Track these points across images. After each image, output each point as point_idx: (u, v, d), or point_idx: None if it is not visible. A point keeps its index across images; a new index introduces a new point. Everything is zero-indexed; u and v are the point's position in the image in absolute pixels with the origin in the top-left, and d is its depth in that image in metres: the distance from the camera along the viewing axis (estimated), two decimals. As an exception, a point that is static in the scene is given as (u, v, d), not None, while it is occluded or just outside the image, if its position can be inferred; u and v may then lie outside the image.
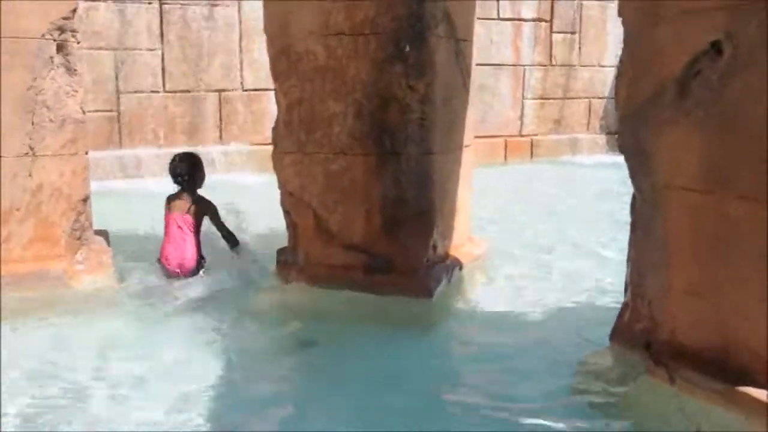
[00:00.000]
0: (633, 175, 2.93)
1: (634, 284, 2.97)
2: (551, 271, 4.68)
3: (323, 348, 3.58)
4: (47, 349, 3.45)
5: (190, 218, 4.55)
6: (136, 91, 8.55)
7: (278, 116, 4.10)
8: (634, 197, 2.99)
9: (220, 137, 8.97)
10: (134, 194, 7.80)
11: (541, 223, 6.13)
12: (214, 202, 4.64)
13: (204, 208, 4.58)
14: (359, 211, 3.94)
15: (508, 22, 9.98)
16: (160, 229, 5.93)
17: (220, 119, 8.93)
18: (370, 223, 3.94)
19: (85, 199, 4.33)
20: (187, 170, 4.62)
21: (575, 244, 5.37)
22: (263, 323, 3.88)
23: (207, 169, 8.56)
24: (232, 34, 8.71)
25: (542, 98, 10.30)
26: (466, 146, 4.40)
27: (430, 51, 3.77)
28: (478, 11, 9.63)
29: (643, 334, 2.89)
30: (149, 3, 8.44)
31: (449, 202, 4.21)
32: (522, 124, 10.25)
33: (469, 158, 4.49)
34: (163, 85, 8.65)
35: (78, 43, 4.26)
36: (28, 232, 4.16)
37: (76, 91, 4.24)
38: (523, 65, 10.13)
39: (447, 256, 4.19)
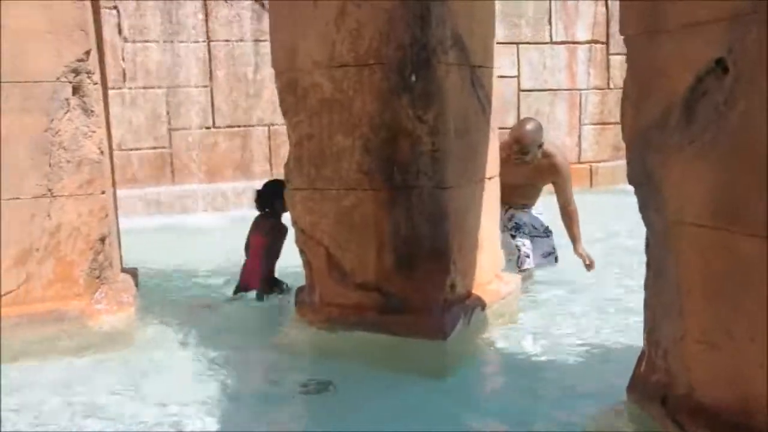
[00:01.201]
0: (643, 209, 2.66)
1: (649, 331, 2.69)
2: (587, 313, 4.36)
3: (332, 393, 3.41)
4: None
5: (263, 239, 4.87)
6: (186, 128, 8.66)
7: (289, 152, 3.99)
8: (646, 235, 2.72)
9: (271, 171, 8.97)
10: (182, 230, 7.89)
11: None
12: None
13: (278, 233, 4.84)
14: (371, 249, 3.77)
15: (562, 46, 9.69)
16: (195, 265, 5.97)
17: (270, 153, 8.94)
18: (382, 261, 3.76)
19: (104, 239, 4.30)
20: (265, 199, 4.99)
21: (618, 285, 4.99)
22: (274, 365, 3.75)
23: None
24: (279, 69, 8.74)
25: (601, 123, 9.92)
26: (490, 178, 4.18)
27: (438, 80, 3.59)
28: (530, 36, 9.54)
29: (659, 387, 2.59)
30: (197, 41, 8.56)
31: (470, 237, 3.99)
32: (580, 150, 9.89)
33: (494, 190, 4.26)
34: (213, 121, 8.73)
35: (95, 84, 4.26)
36: (47, 273, 4.16)
37: (94, 132, 4.24)
38: (579, 90, 9.80)
39: (468, 295, 3.96)
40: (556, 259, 5.27)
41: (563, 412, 3.03)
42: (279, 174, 8.88)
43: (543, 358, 3.63)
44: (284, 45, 3.84)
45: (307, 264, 4.04)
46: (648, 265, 2.69)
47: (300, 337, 3.99)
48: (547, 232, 5.29)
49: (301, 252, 4.05)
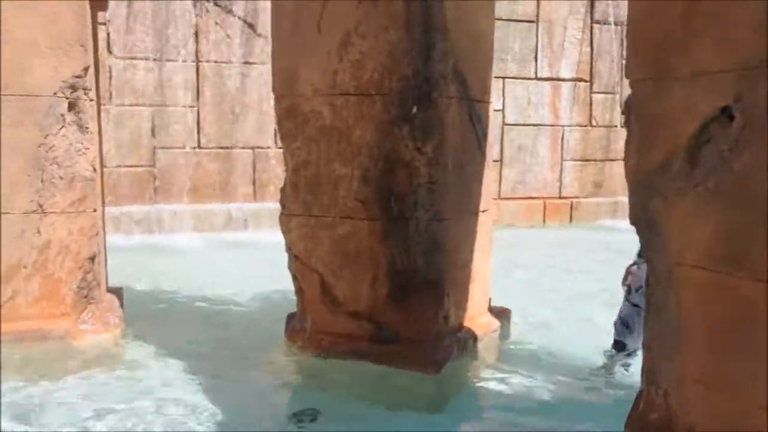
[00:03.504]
0: (645, 251, 2.70)
1: (648, 370, 2.71)
2: (576, 347, 4.40)
3: (322, 421, 3.39)
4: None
5: None
6: (171, 147, 8.62)
7: (286, 177, 4.00)
8: (648, 275, 2.76)
9: (254, 194, 8.96)
10: (165, 250, 7.82)
11: (571, 293, 5.83)
12: None
13: None
14: (365, 278, 3.77)
15: (547, 82, 9.85)
16: (179, 286, 5.92)
17: (254, 176, 8.93)
18: (376, 290, 3.76)
19: (93, 258, 4.26)
20: None
21: (604, 318, 5.05)
22: (264, 391, 3.73)
23: (237, 227, 8.77)
24: (266, 92, 8.72)
25: (582, 160, 10.06)
26: (483, 211, 4.21)
27: (438, 112, 3.63)
28: (516, 71, 9.70)
29: (658, 427, 2.62)
30: (186, 61, 8.57)
31: (463, 269, 4.01)
32: (561, 185, 10.01)
33: (487, 224, 4.30)
34: (198, 142, 8.71)
35: (91, 101, 4.25)
36: (34, 290, 4.10)
37: (88, 149, 4.22)
38: (562, 126, 9.95)
39: (461, 327, 3.97)
40: None
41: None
42: (261, 197, 8.93)
43: (534, 394, 3.65)
44: (285, 70, 3.86)
45: (300, 291, 4.03)
46: (648, 304, 2.73)
47: (290, 365, 3.97)
48: None
49: (294, 278, 4.04)
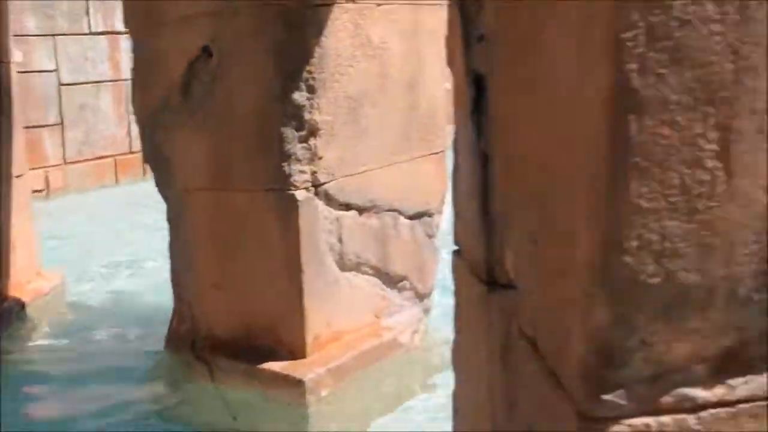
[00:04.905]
0: (158, 184, 2.94)
1: (175, 288, 3.01)
2: (129, 295, 4.56)
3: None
4: None
5: None
6: None
7: None
8: (167, 204, 3.00)
9: None
10: None
11: (137, 249, 5.86)
12: None
13: None
14: None
15: (102, 37, 9.57)
16: None
17: None
18: None
19: None
20: None
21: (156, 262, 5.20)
22: None
23: None
24: None
25: (149, 114, 10.10)
26: (18, 176, 4.06)
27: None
28: (66, 27, 9.22)
29: (188, 334, 2.94)
30: None
31: (1, 236, 3.85)
32: (131, 140, 9.89)
33: (23, 188, 4.15)
34: None
35: None
36: None
37: None
38: (125, 80, 9.78)
39: (6, 297, 3.84)
40: None
41: (119, 379, 3.22)
42: None
43: (90, 340, 3.76)
44: None
45: None
46: (170, 231, 2.99)
47: None
48: None
49: None
